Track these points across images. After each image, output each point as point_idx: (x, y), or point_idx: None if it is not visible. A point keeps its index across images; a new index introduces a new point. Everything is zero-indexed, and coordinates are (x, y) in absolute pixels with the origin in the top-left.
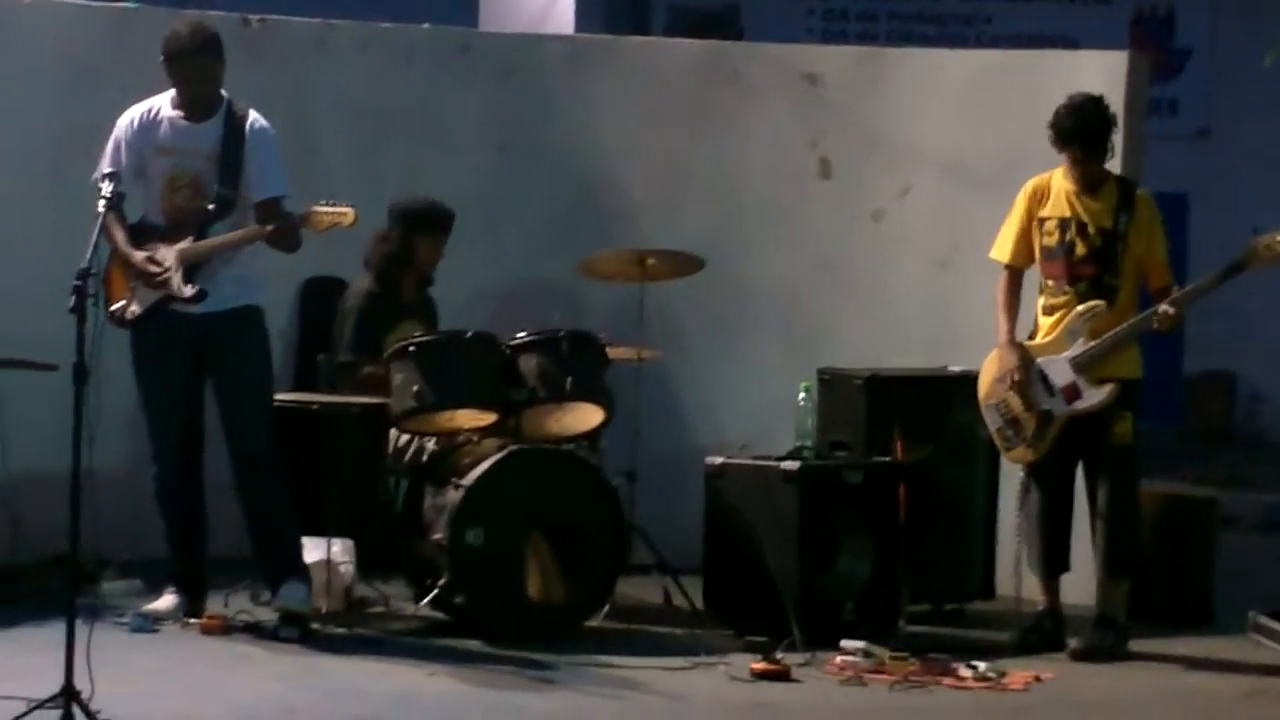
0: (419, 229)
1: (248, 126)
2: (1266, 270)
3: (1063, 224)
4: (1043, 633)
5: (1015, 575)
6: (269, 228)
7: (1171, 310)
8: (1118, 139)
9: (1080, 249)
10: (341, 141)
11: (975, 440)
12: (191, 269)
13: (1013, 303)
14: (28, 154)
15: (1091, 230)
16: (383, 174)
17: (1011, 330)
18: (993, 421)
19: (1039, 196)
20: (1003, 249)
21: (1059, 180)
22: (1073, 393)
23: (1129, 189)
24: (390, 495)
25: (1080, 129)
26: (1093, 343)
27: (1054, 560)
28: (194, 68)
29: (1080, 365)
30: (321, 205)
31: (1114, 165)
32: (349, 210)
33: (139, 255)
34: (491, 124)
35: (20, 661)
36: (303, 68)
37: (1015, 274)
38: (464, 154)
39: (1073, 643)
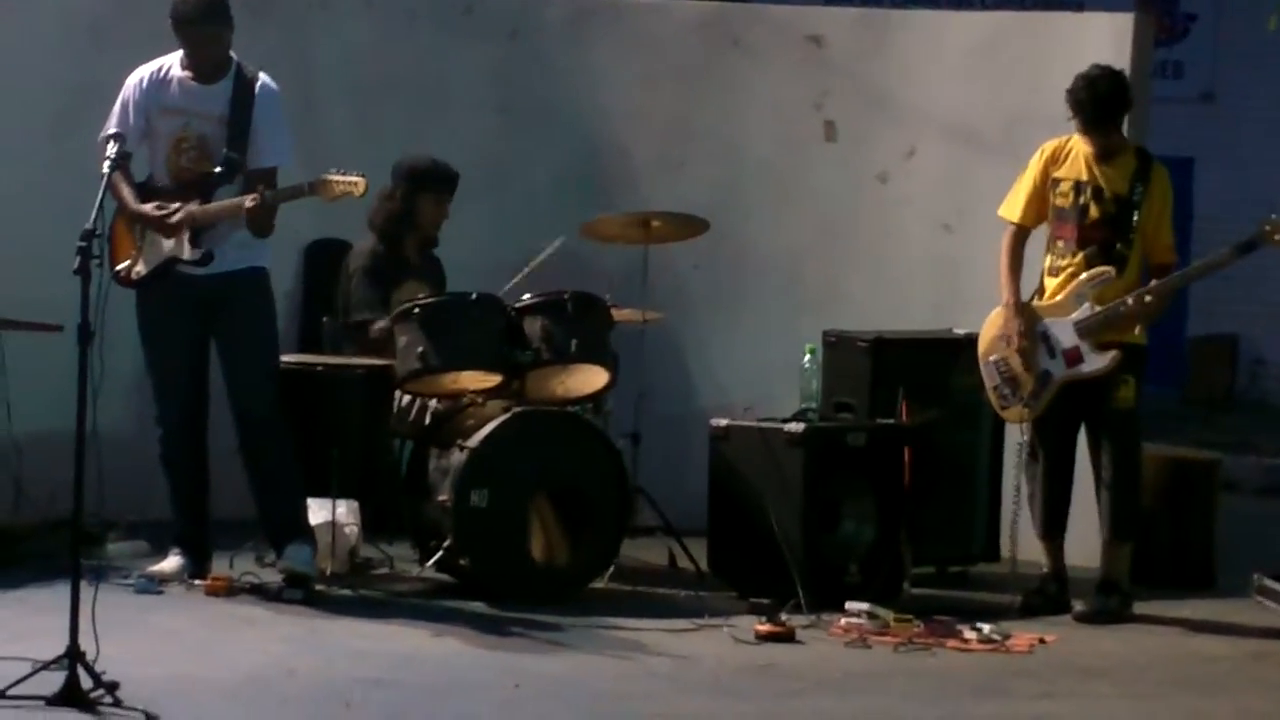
0: (423, 188)
1: (257, 89)
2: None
3: (1078, 186)
4: (1046, 596)
5: (1011, 537)
6: (248, 204)
7: (1149, 299)
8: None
9: (1094, 212)
10: (343, 103)
11: (980, 403)
12: (197, 231)
13: (1018, 263)
14: (33, 114)
15: (1107, 195)
16: (385, 135)
17: (1017, 291)
18: (990, 378)
19: (1055, 158)
20: (1013, 208)
21: (1078, 143)
22: (1075, 357)
23: (1147, 160)
24: (395, 457)
25: (1084, 103)
26: (1099, 308)
27: (1055, 523)
28: (202, 35)
29: (1085, 330)
30: (334, 174)
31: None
32: (360, 180)
33: (148, 206)
34: (493, 86)
35: (25, 623)
36: (305, 29)
37: (1023, 233)
38: (466, 116)
39: (1077, 606)
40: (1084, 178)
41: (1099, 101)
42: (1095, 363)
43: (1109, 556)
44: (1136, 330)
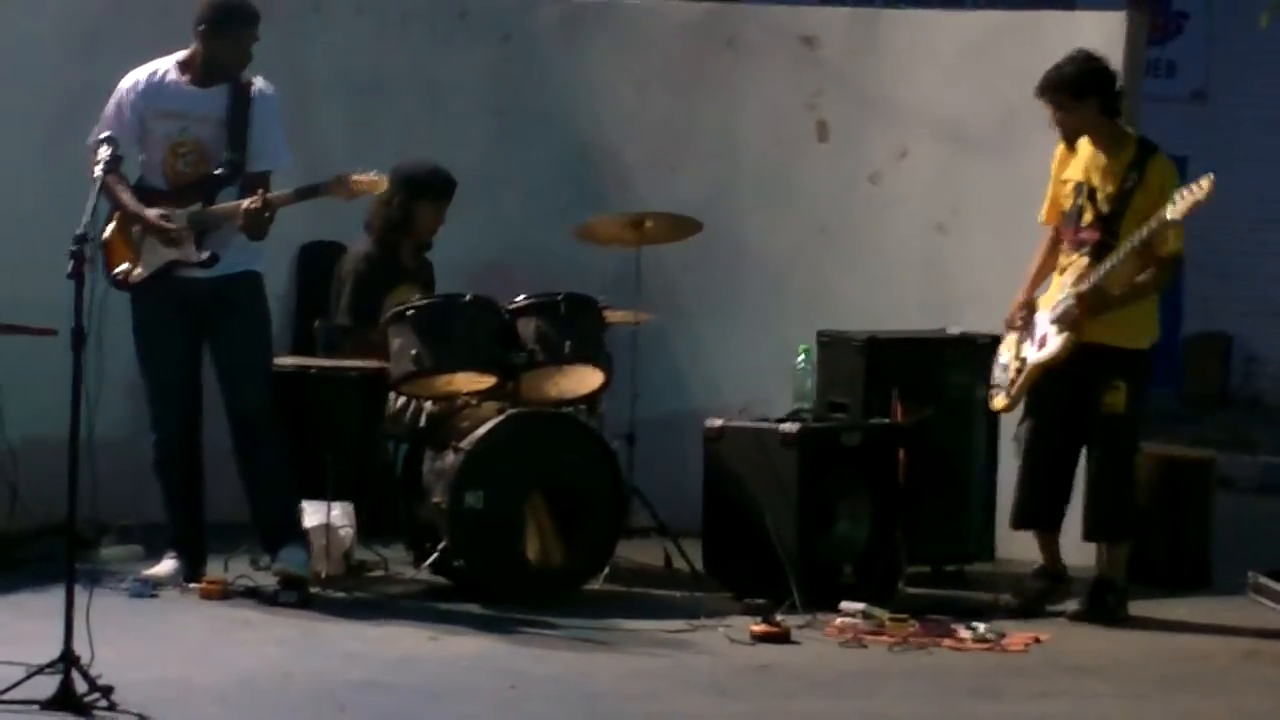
0: (422, 195)
1: (254, 92)
2: (1266, 232)
3: (1078, 188)
4: (1038, 592)
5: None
6: (247, 205)
7: (1073, 304)
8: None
9: (1087, 215)
10: (337, 106)
11: (974, 402)
12: (202, 234)
13: (1042, 261)
14: (28, 118)
15: (1100, 196)
16: (378, 138)
17: (1030, 286)
18: (995, 370)
19: (1064, 158)
20: (1041, 210)
21: (1083, 142)
22: (1043, 342)
23: (1147, 151)
24: (390, 459)
25: (1040, 81)
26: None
27: (1028, 515)
28: (247, 38)
29: (1057, 318)
30: (355, 173)
31: None
32: (381, 179)
33: (153, 212)
34: (488, 89)
35: (19, 627)
36: (298, 31)
37: (1054, 233)
38: (460, 119)
39: (1072, 605)
40: (1081, 178)
41: (1054, 73)
42: (1052, 346)
43: (1105, 556)
44: (1123, 332)
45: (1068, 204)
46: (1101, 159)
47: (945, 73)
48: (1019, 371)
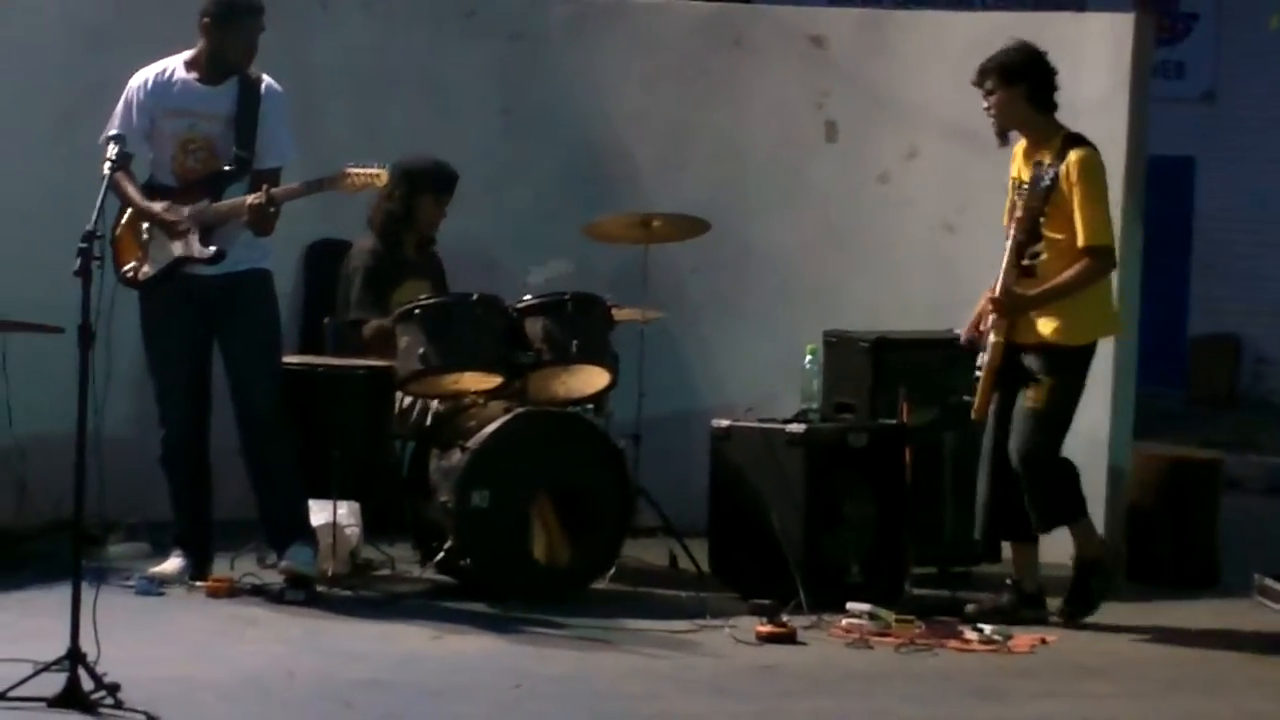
0: (422, 189)
1: (263, 89)
2: (1274, 233)
3: (1014, 184)
4: (989, 603)
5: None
6: (251, 201)
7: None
8: (1016, 89)
9: (1019, 211)
10: (343, 103)
11: None
12: (207, 230)
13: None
14: (34, 116)
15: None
16: (385, 136)
17: (992, 288)
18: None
19: (1014, 156)
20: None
21: (1024, 140)
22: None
23: (1070, 145)
24: (396, 458)
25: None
26: None
27: (993, 526)
28: (252, 29)
29: (990, 326)
30: (355, 167)
31: (1119, 128)
32: (382, 171)
33: (159, 206)
34: (496, 87)
35: (26, 624)
36: (305, 28)
37: None
38: (468, 117)
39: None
40: (1015, 174)
41: (988, 59)
42: (986, 351)
43: (1074, 544)
44: (1053, 328)
45: (1009, 200)
46: (1031, 154)
47: (954, 73)
48: (976, 380)
